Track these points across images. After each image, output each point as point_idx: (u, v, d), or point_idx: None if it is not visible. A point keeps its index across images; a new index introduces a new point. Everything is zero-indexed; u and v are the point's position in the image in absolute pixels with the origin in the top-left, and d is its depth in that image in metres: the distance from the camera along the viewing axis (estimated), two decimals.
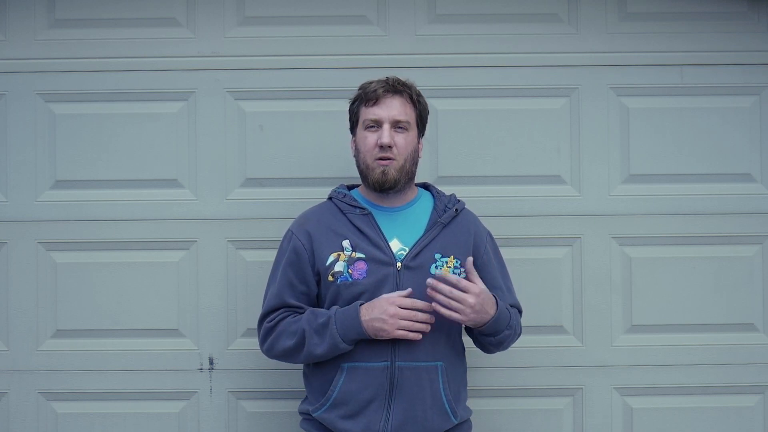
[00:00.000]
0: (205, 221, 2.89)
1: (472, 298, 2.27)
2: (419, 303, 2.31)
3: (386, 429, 2.32)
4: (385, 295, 2.33)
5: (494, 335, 2.38)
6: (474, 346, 2.53)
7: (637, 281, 2.91)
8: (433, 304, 2.28)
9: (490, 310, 2.32)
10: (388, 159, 2.40)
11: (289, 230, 2.50)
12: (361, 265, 2.38)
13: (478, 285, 2.30)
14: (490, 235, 2.56)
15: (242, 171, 2.90)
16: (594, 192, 2.91)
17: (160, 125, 2.90)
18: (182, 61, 2.90)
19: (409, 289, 2.33)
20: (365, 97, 2.43)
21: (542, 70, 2.91)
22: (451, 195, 2.55)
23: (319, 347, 2.33)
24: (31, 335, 2.88)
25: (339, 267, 2.39)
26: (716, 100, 2.93)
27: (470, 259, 2.35)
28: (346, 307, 2.34)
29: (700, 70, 2.93)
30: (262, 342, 2.46)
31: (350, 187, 2.57)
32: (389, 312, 2.29)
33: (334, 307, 2.36)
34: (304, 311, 2.41)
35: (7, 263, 2.88)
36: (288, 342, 2.38)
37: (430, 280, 2.29)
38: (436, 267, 2.38)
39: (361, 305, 2.33)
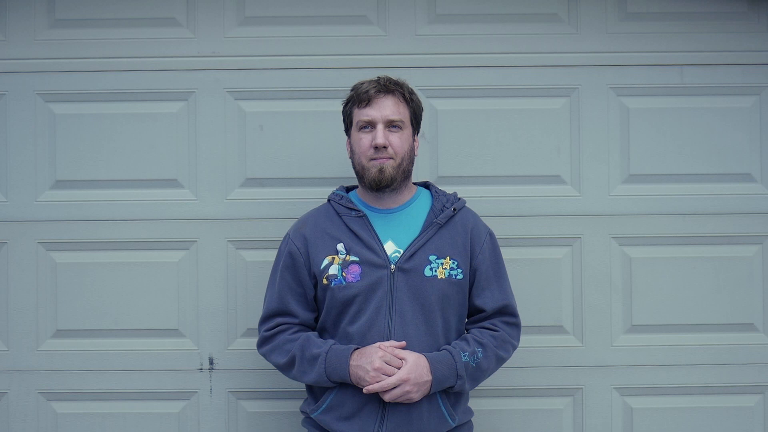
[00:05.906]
0: (205, 221, 2.89)
1: (407, 386, 2.27)
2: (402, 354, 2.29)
3: (380, 431, 2.32)
4: (378, 344, 2.31)
5: (452, 389, 2.36)
6: None
7: (637, 281, 2.91)
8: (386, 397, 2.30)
9: (426, 376, 2.29)
10: (384, 158, 2.39)
11: (287, 234, 2.50)
12: (355, 268, 2.37)
13: (400, 372, 2.27)
14: (491, 235, 2.52)
15: (242, 171, 2.90)
16: (594, 192, 2.91)
17: (160, 125, 2.90)
18: (182, 61, 2.90)
19: (403, 342, 2.32)
20: (357, 98, 2.42)
21: (542, 70, 2.91)
22: (452, 194, 2.52)
23: (307, 375, 2.37)
24: (31, 335, 2.88)
25: (333, 270, 2.39)
26: (716, 100, 2.93)
27: (400, 345, 2.32)
28: (341, 347, 2.33)
29: (700, 70, 2.92)
30: (260, 345, 2.50)
31: (349, 189, 2.56)
32: (374, 365, 2.27)
33: (330, 342, 2.35)
34: (301, 320, 2.42)
35: (7, 263, 2.88)
36: (280, 359, 2.43)
37: (369, 388, 2.28)
38: (431, 270, 2.38)
39: (355, 349, 2.32)
